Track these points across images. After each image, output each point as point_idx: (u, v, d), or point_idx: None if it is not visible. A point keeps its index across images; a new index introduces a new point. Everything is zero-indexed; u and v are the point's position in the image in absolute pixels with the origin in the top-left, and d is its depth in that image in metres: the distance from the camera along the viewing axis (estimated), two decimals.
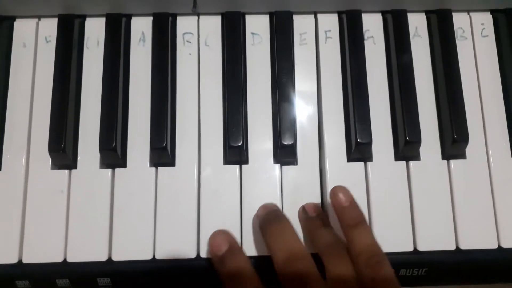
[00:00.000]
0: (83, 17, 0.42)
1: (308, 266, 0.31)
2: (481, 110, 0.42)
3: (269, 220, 0.35)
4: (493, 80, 0.42)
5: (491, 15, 0.44)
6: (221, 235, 0.36)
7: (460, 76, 0.41)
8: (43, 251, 0.38)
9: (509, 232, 0.39)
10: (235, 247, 0.35)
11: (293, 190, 0.40)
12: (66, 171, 0.39)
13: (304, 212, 0.38)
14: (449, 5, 0.43)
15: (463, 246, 0.39)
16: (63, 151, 0.38)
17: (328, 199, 0.39)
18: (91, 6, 0.41)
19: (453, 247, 0.39)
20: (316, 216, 0.38)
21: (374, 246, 0.32)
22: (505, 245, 0.39)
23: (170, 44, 0.41)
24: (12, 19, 0.42)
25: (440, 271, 0.39)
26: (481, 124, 0.41)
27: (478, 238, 0.39)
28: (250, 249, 0.38)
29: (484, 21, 0.44)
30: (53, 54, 0.41)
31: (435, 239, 0.39)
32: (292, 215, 0.39)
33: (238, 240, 0.38)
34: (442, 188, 0.40)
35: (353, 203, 0.34)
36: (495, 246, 0.39)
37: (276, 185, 0.40)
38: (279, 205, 0.39)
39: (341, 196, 0.34)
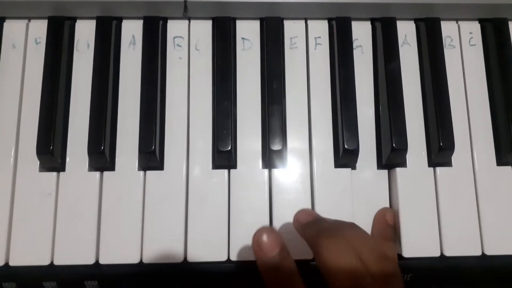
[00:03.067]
0: (73, 19, 0.42)
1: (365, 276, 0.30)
2: (467, 118, 0.42)
3: (330, 239, 0.32)
4: (480, 89, 0.43)
5: (479, 24, 0.45)
6: (273, 234, 0.32)
7: (447, 84, 0.42)
8: (30, 253, 0.38)
9: (493, 239, 0.40)
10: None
11: (282, 194, 0.40)
12: (54, 174, 0.39)
13: (298, 221, 0.36)
14: (438, 13, 0.43)
15: (447, 253, 0.39)
16: (51, 153, 0.38)
17: (317, 203, 0.39)
18: (81, 8, 0.41)
19: (437, 254, 0.40)
20: (313, 221, 0.35)
21: (396, 255, 0.39)
22: (489, 252, 0.40)
23: (160, 47, 0.41)
24: (2, 20, 0.42)
25: (425, 277, 0.40)
26: (468, 132, 0.42)
27: (462, 245, 0.40)
28: (237, 253, 0.38)
29: (472, 30, 0.44)
30: (42, 56, 0.40)
31: (420, 246, 0.39)
32: (280, 219, 0.39)
33: (226, 244, 0.39)
34: (428, 195, 0.40)
35: (394, 225, 0.40)
36: (479, 253, 0.40)
37: (264, 190, 0.40)
38: (268, 209, 0.39)
39: (389, 215, 0.40)
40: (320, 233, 0.32)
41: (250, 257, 0.38)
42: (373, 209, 0.40)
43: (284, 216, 0.39)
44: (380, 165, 0.41)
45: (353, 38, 0.43)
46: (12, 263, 0.38)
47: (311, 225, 0.35)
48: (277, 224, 0.39)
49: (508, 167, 0.41)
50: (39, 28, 0.42)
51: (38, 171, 0.39)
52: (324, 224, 0.35)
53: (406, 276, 0.40)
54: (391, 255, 0.38)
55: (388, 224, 0.39)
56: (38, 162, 0.39)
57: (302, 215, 0.36)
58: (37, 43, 0.41)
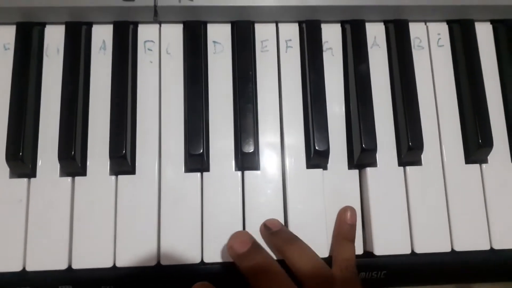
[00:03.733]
0: (42, 25, 0.42)
1: (331, 277, 0.37)
2: (436, 118, 0.43)
3: (289, 238, 0.38)
4: (448, 89, 0.44)
5: (447, 25, 0.45)
6: (243, 233, 0.39)
7: (416, 84, 0.42)
8: (1, 260, 0.38)
9: (463, 235, 0.41)
10: (258, 244, 0.38)
11: (255, 196, 0.40)
12: (25, 180, 0.39)
13: (266, 228, 0.39)
14: (407, 15, 0.44)
15: (418, 250, 0.40)
16: (21, 160, 0.38)
17: (290, 203, 0.40)
18: (50, 13, 0.41)
19: (408, 251, 0.40)
20: (280, 230, 0.39)
21: (354, 260, 0.39)
22: (459, 248, 0.41)
23: (131, 52, 0.42)
24: None
25: (398, 274, 0.41)
26: (437, 131, 0.43)
27: (432, 242, 0.41)
28: (212, 256, 0.39)
29: (440, 31, 0.45)
30: (11, 61, 0.40)
31: (392, 243, 0.40)
32: (253, 221, 0.40)
33: (199, 247, 0.39)
34: (398, 193, 0.41)
35: (355, 224, 0.40)
36: (449, 249, 0.41)
37: (238, 192, 0.40)
38: (241, 212, 0.40)
39: (349, 214, 0.39)
40: (286, 242, 0.38)
41: (224, 258, 0.39)
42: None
43: (257, 217, 0.40)
44: (352, 165, 0.42)
45: (324, 40, 0.43)
46: None
47: (278, 234, 0.38)
48: (249, 225, 0.40)
49: (476, 165, 0.42)
50: (8, 34, 0.41)
51: (8, 177, 0.39)
52: (288, 234, 0.39)
53: (380, 273, 0.41)
54: (349, 256, 0.38)
55: (348, 224, 0.39)
56: (8, 169, 0.39)
57: (269, 223, 0.39)
58: (5, 49, 0.41)
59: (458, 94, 0.44)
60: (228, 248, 0.38)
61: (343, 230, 0.39)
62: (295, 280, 0.36)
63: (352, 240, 0.39)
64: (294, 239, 0.38)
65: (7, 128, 0.39)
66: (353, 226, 0.39)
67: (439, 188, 0.42)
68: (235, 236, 0.38)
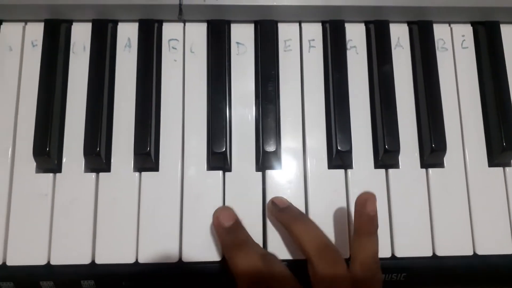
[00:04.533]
0: (69, 22, 0.43)
1: (338, 254, 0.36)
2: (459, 120, 0.43)
3: (297, 215, 0.38)
4: (472, 91, 0.43)
5: (471, 27, 0.45)
6: (228, 209, 0.39)
7: (440, 86, 0.42)
8: (27, 253, 0.38)
9: (484, 239, 0.40)
10: (240, 222, 0.39)
11: (276, 195, 0.40)
12: (50, 175, 0.39)
13: (274, 205, 0.39)
14: (431, 16, 0.44)
15: (439, 253, 0.40)
16: (47, 155, 0.38)
17: (311, 204, 0.40)
18: (77, 11, 0.41)
19: (430, 254, 0.40)
20: (288, 207, 0.39)
21: (377, 254, 0.36)
22: (480, 252, 0.40)
23: (155, 50, 0.42)
24: None
25: (418, 276, 0.40)
26: (460, 133, 0.42)
27: (454, 245, 0.40)
28: None
29: (464, 33, 0.45)
30: (39, 58, 0.41)
31: (413, 245, 0.40)
32: (274, 220, 0.40)
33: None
34: (420, 195, 0.41)
35: (376, 214, 0.35)
36: (471, 253, 0.40)
37: (258, 191, 0.40)
38: (261, 210, 0.40)
39: (368, 203, 0.35)
40: (294, 219, 0.37)
41: None
42: None
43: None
44: (377, 165, 0.42)
45: (348, 38, 0.43)
46: (9, 263, 0.38)
47: (286, 211, 0.38)
48: (271, 225, 0.40)
49: (499, 168, 0.42)
50: (36, 31, 0.42)
51: (34, 172, 0.40)
52: (295, 212, 0.39)
53: (400, 275, 0.40)
54: (373, 250, 0.36)
55: (368, 215, 0.35)
56: (35, 164, 0.39)
57: (277, 200, 0.39)
58: (33, 46, 0.42)
59: (482, 96, 0.43)
60: (215, 218, 0.38)
61: (362, 223, 0.35)
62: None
63: (373, 232, 0.35)
64: (302, 216, 0.38)
65: (34, 124, 0.39)
66: (373, 217, 0.35)
67: (461, 190, 0.41)
68: (221, 209, 0.39)
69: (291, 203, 0.39)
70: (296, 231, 0.37)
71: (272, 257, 0.37)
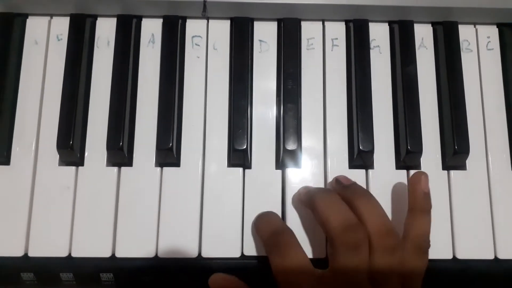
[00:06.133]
0: (94, 17, 0.43)
1: (363, 235, 0.34)
2: (483, 123, 0.42)
3: (322, 192, 0.37)
4: (496, 94, 0.43)
5: (497, 29, 0.44)
6: (275, 216, 0.39)
7: (464, 88, 0.42)
8: (48, 245, 0.39)
9: (506, 243, 0.40)
10: (284, 226, 0.38)
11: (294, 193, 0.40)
12: (73, 168, 0.40)
13: (338, 183, 0.38)
14: (456, 17, 0.43)
15: (460, 256, 0.40)
16: (71, 148, 0.39)
17: None
18: (103, 6, 0.42)
19: (450, 256, 0.40)
20: (353, 184, 0.38)
21: (429, 234, 0.36)
22: (501, 256, 0.40)
23: (179, 46, 0.42)
24: (25, 16, 0.43)
25: (438, 279, 0.40)
26: (483, 136, 0.42)
27: (475, 248, 0.40)
28: (250, 250, 0.39)
29: (490, 34, 0.44)
30: (64, 52, 0.41)
31: (433, 248, 0.39)
32: (293, 219, 0.40)
33: (240, 240, 0.39)
34: (441, 198, 0.41)
35: (429, 193, 0.36)
36: (492, 257, 0.40)
37: (278, 189, 0.40)
38: (281, 209, 0.40)
39: (424, 181, 0.35)
40: (358, 195, 0.36)
41: (262, 252, 0.39)
42: (391, 207, 0.40)
43: (297, 215, 0.40)
44: (399, 165, 0.41)
45: (371, 38, 0.43)
46: (31, 254, 0.39)
47: (351, 187, 0.37)
48: (289, 223, 0.40)
49: None
50: (61, 25, 0.42)
51: (57, 165, 0.40)
52: (360, 189, 0.37)
53: None
54: (426, 228, 0.36)
55: (423, 192, 0.35)
56: (58, 156, 0.40)
57: (342, 177, 0.39)
58: (58, 40, 0.42)
59: (506, 99, 0.43)
60: (257, 222, 0.38)
61: (418, 200, 0.35)
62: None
63: (428, 210, 0.36)
64: (367, 194, 0.37)
65: (59, 117, 0.40)
66: (428, 194, 0.35)
67: (483, 194, 0.41)
68: (264, 213, 0.39)
69: (355, 182, 0.38)
70: (360, 207, 0.35)
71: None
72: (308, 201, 0.38)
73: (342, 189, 0.37)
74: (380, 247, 0.34)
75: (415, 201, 0.36)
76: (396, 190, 0.41)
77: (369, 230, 0.34)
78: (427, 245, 0.36)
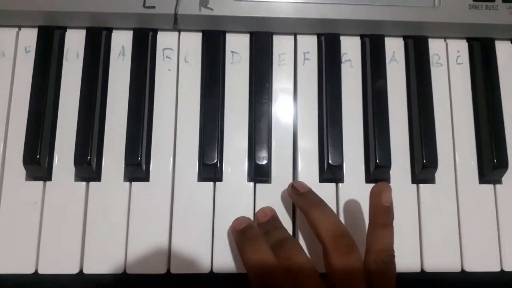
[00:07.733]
0: (63, 29, 0.42)
1: (353, 243, 0.35)
2: (452, 136, 0.43)
3: (315, 201, 0.38)
4: (465, 107, 0.44)
5: (467, 43, 0.45)
6: (243, 217, 0.39)
7: (433, 102, 0.42)
8: (14, 262, 0.38)
9: (472, 256, 0.41)
10: (253, 225, 0.38)
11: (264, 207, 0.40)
12: (40, 183, 0.39)
13: (294, 189, 0.39)
14: (427, 31, 0.44)
15: (427, 269, 0.40)
16: (37, 163, 0.38)
17: (299, 217, 0.40)
18: (72, 18, 0.41)
19: (418, 270, 0.40)
20: (308, 192, 0.38)
21: (391, 247, 0.35)
22: (468, 268, 0.40)
23: (149, 59, 0.42)
24: None
25: None
26: (452, 150, 0.42)
27: (442, 261, 0.40)
28: (221, 265, 0.39)
29: (459, 49, 0.45)
30: (32, 64, 0.41)
31: (402, 261, 0.40)
32: None
33: (209, 255, 0.39)
34: (410, 211, 0.41)
35: (392, 205, 0.35)
36: (459, 270, 0.40)
37: (249, 203, 0.40)
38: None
39: (386, 194, 0.34)
40: (312, 204, 0.37)
41: (233, 269, 0.39)
42: (360, 221, 0.40)
43: None
44: (369, 179, 0.41)
45: (342, 52, 0.43)
46: None
47: (305, 195, 0.38)
48: None
49: (490, 186, 0.42)
50: (29, 37, 0.42)
51: (24, 180, 0.39)
52: (314, 197, 0.38)
53: None
54: (388, 242, 0.35)
55: (383, 205, 0.34)
56: (25, 171, 0.39)
57: (298, 184, 0.39)
58: (26, 52, 0.42)
59: (475, 113, 0.43)
60: (231, 226, 0.39)
61: (377, 214, 0.34)
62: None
63: (388, 224, 0.34)
64: (320, 202, 0.37)
65: (25, 131, 0.39)
66: (388, 208, 0.34)
67: (451, 207, 0.41)
68: (238, 218, 0.39)
69: (310, 188, 0.39)
70: (314, 217, 0.36)
71: (290, 248, 0.36)
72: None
73: (297, 196, 0.38)
74: (335, 250, 0.34)
75: (376, 215, 0.35)
76: (366, 204, 0.41)
77: (323, 235, 0.35)
78: (390, 258, 0.35)
